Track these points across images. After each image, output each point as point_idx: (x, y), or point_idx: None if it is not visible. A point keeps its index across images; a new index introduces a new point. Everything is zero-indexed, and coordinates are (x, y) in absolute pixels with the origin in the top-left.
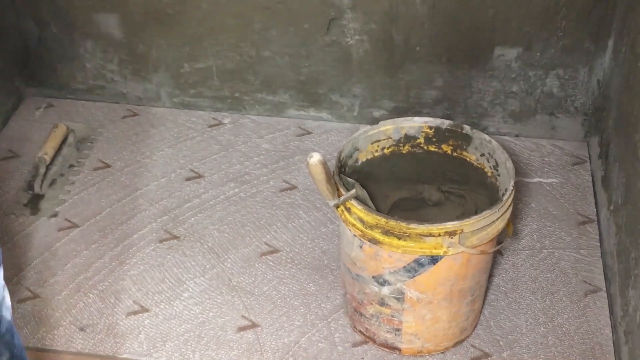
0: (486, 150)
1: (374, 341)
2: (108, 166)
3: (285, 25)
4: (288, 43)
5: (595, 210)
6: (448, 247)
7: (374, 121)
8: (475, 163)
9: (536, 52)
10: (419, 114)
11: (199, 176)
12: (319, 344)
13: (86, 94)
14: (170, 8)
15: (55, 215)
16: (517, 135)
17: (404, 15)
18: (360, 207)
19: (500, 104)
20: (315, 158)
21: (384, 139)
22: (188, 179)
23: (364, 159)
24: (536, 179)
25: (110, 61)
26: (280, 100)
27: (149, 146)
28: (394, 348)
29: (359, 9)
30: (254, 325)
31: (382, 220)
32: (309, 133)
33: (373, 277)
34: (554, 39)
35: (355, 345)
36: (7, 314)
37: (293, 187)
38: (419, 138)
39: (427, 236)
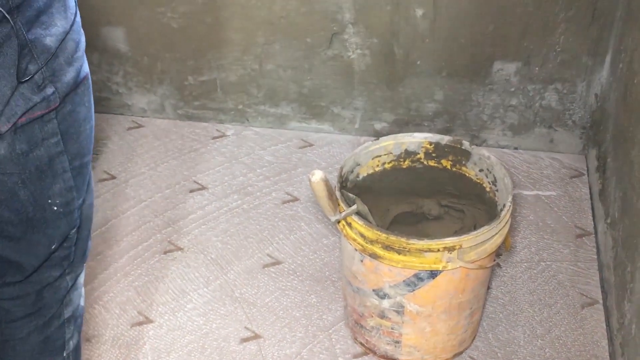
0: (485, 165)
1: (375, 353)
2: (113, 177)
3: (288, 39)
4: (291, 57)
5: (592, 223)
6: (447, 262)
7: (375, 133)
8: (474, 178)
9: (535, 66)
10: (419, 126)
11: (203, 188)
12: (321, 355)
13: None
14: (175, 22)
15: None
16: (516, 148)
17: (405, 29)
18: (361, 223)
19: (500, 117)
20: (317, 176)
21: (385, 154)
22: (192, 191)
23: (365, 174)
24: (534, 192)
25: (115, 73)
26: (282, 113)
27: (153, 158)
28: None
29: (361, 23)
30: (256, 337)
31: (383, 236)
32: (311, 145)
33: (373, 290)
34: (553, 54)
35: (356, 356)
36: (83, 302)
37: (295, 199)
38: (419, 153)
39: (426, 251)
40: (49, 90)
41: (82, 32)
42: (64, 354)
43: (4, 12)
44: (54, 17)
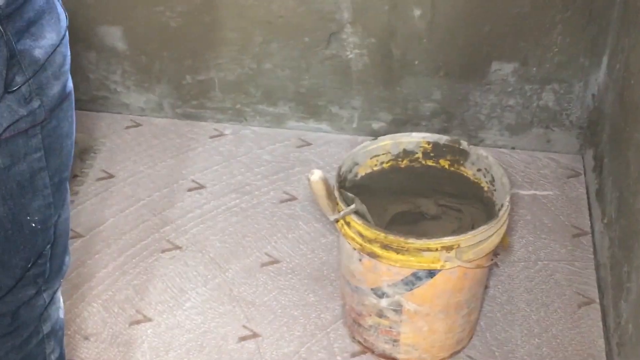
0: (483, 165)
1: (373, 351)
2: (111, 176)
3: (286, 39)
4: (289, 56)
5: (589, 223)
6: (445, 261)
7: (373, 133)
8: (472, 178)
9: (532, 67)
10: (416, 126)
11: (201, 187)
12: (319, 354)
13: (89, 105)
14: (173, 21)
15: None
16: (513, 148)
17: (403, 30)
18: (359, 222)
19: (497, 117)
20: (316, 175)
21: (383, 154)
22: (190, 190)
23: (364, 173)
24: (532, 192)
25: (113, 72)
26: (280, 112)
27: (151, 157)
28: (392, 358)
29: (359, 23)
30: (254, 335)
31: (381, 235)
32: (309, 144)
33: (372, 289)
34: (550, 54)
35: (354, 355)
36: (62, 314)
37: (293, 198)
38: (417, 153)
39: (424, 251)
40: (35, 103)
41: (69, 47)
42: None
43: None
44: (44, 29)
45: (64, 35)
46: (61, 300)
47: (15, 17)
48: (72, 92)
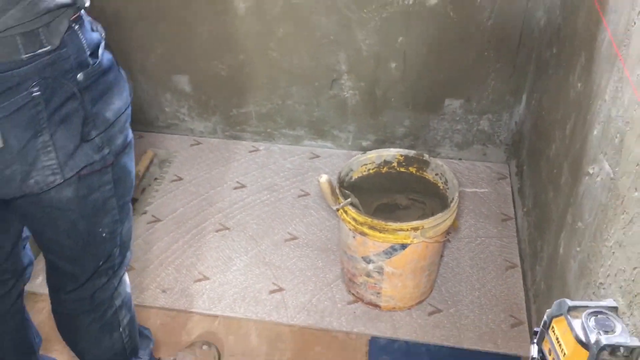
0: (439, 171)
1: (362, 301)
2: (181, 179)
3: (302, 84)
4: (304, 95)
5: (513, 211)
6: (413, 238)
7: (363, 148)
8: (432, 180)
9: (473, 102)
10: (392, 144)
11: (243, 186)
12: (325, 302)
13: (165, 129)
14: (223, 71)
15: (145, 213)
16: (460, 159)
17: (384, 77)
18: (354, 211)
19: (449, 137)
20: (323, 178)
21: (370, 163)
22: (235, 188)
23: (356, 177)
24: (473, 189)
25: (182, 107)
26: (298, 134)
27: (208, 165)
28: (376, 305)
29: (353, 73)
30: (280, 289)
31: (369, 220)
32: (318, 157)
33: (362, 257)
34: (486, 93)
35: (349, 303)
36: (129, 289)
37: (307, 194)
38: (393, 162)
39: (399, 231)
40: (106, 150)
41: (131, 107)
42: (120, 329)
43: (76, 90)
44: (113, 97)
45: (129, 102)
46: (127, 279)
47: (92, 89)
48: (132, 140)
